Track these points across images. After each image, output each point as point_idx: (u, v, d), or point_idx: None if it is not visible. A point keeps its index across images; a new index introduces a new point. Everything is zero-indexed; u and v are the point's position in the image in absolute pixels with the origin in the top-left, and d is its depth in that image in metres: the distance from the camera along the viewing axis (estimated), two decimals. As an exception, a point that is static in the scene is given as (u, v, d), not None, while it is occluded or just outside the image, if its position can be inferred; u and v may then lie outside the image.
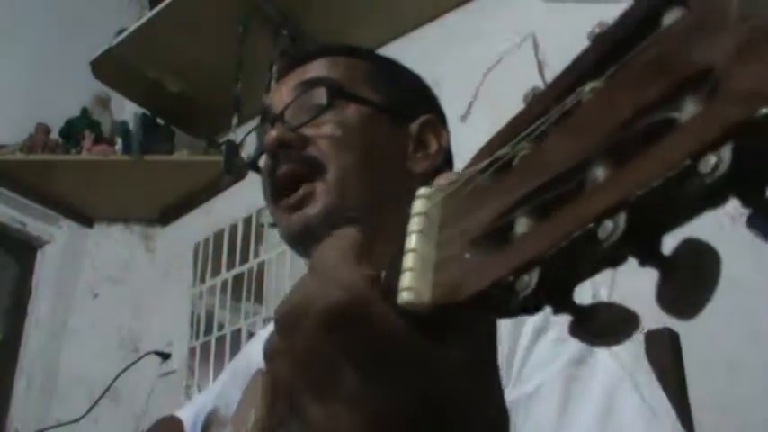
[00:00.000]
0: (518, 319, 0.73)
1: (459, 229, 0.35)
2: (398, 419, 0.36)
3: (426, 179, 0.88)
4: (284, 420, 0.40)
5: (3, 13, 2.55)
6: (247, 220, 2.36)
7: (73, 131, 2.50)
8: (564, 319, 0.74)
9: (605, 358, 0.69)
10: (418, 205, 0.39)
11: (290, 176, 0.85)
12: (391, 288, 0.37)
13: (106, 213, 2.64)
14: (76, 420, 2.31)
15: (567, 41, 0.34)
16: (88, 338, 2.50)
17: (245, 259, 2.33)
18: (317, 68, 0.91)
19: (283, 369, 0.39)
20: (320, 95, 0.87)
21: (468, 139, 0.38)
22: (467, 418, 0.38)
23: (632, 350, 0.71)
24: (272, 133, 0.85)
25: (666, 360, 1.11)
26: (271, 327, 1.18)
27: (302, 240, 0.85)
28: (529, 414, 0.68)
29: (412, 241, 0.37)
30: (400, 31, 2.17)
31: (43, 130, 2.47)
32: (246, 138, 1.02)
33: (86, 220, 2.64)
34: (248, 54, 2.19)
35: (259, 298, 2.24)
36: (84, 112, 2.57)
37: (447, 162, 0.94)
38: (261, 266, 2.27)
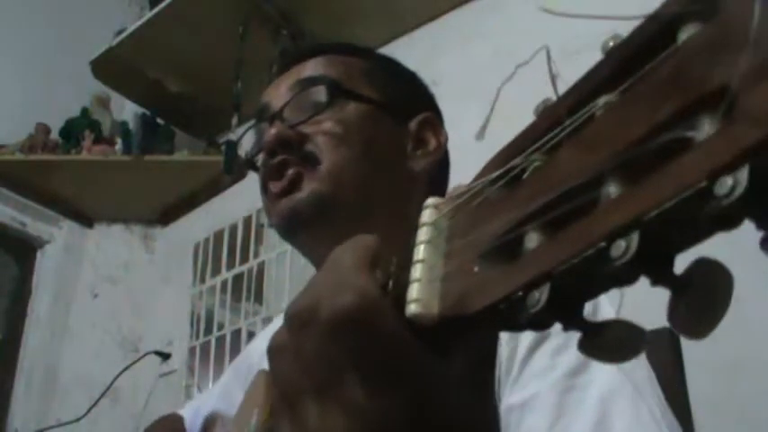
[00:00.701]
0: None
1: (467, 241, 0.35)
2: (394, 429, 0.36)
3: (424, 176, 0.89)
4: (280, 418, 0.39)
5: (3, 13, 2.55)
6: (247, 220, 2.36)
7: (73, 131, 2.50)
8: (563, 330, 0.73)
9: (605, 365, 0.69)
10: (426, 215, 0.38)
11: (280, 163, 0.85)
12: (399, 298, 0.36)
13: (106, 213, 2.64)
14: (76, 420, 2.31)
15: (580, 54, 0.33)
16: (88, 338, 2.50)
17: (245, 259, 2.33)
18: (315, 66, 0.90)
19: (286, 366, 0.39)
20: (319, 93, 0.87)
21: (484, 154, 0.37)
22: None
23: (626, 368, 0.70)
24: (272, 131, 0.85)
25: (666, 360, 1.11)
26: (271, 326, 1.18)
27: (291, 225, 0.85)
28: (521, 422, 0.68)
29: (420, 252, 0.37)
30: (400, 31, 2.17)
31: (43, 130, 2.47)
32: (244, 136, 1.01)
33: (86, 220, 2.64)
34: (248, 54, 2.19)
35: (259, 298, 2.24)
36: (84, 112, 2.57)
37: (444, 160, 0.94)
38: (261, 266, 2.27)
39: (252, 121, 2.35)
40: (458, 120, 1.90)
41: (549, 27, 1.80)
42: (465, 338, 0.37)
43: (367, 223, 0.81)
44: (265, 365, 0.72)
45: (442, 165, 0.93)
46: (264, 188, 0.87)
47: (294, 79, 0.89)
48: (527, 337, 0.72)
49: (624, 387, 0.69)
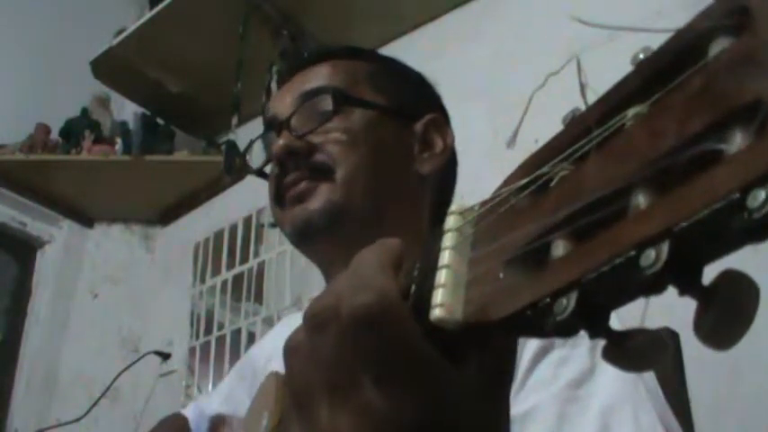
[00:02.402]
0: (523, 338, 0.73)
1: (493, 248, 0.35)
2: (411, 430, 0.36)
3: (432, 178, 0.89)
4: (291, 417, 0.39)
5: (3, 13, 2.55)
6: (247, 220, 2.36)
7: (73, 131, 2.50)
8: (569, 341, 0.73)
9: (608, 377, 0.69)
10: (451, 221, 0.38)
11: (296, 180, 0.86)
12: (420, 302, 0.36)
13: (106, 213, 2.64)
14: (76, 420, 2.31)
15: (610, 66, 0.34)
16: (88, 338, 2.50)
17: (245, 259, 2.34)
18: (320, 74, 0.91)
19: (301, 365, 0.39)
20: (325, 102, 0.87)
21: (514, 162, 0.37)
22: None
23: (630, 380, 0.70)
24: (281, 142, 0.86)
25: (666, 360, 1.11)
26: (273, 330, 1.18)
27: (303, 235, 0.85)
28: None
29: (446, 257, 0.36)
30: (400, 31, 2.17)
31: (43, 130, 2.47)
32: (251, 142, 1.02)
33: (86, 220, 2.64)
34: (248, 54, 2.19)
35: (259, 298, 2.24)
36: (84, 112, 2.58)
37: (452, 161, 0.94)
38: (261, 266, 2.27)
39: (252, 122, 2.35)
40: (458, 120, 1.90)
41: (550, 27, 1.80)
42: (486, 348, 0.37)
43: (378, 229, 0.82)
44: (271, 369, 0.72)
45: (449, 166, 0.93)
46: (276, 198, 0.88)
47: (299, 89, 0.90)
48: (531, 346, 0.72)
49: (626, 399, 0.69)
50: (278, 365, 0.74)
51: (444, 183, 0.92)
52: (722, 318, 0.26)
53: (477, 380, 0.37)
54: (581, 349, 0.71)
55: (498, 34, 1.94)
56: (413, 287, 0.38)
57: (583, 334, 0.74)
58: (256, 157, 0.96)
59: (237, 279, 2.34)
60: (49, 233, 2.57)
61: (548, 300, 0.29)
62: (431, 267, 0.37)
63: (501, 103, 1.78)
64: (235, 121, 2.22)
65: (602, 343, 0.75)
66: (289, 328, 1.16)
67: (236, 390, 0.99)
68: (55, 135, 2.50)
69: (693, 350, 1.16)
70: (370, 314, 0.35)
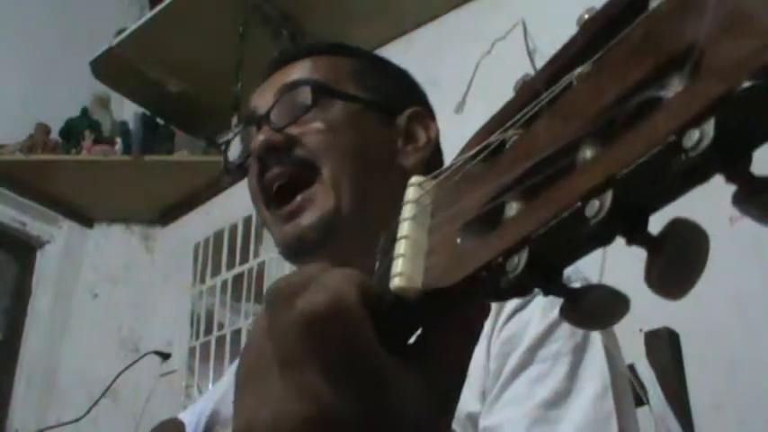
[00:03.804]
0: (510, 344, 0.73)
1: (450, 215, 0.35)
2: (347, 421, 0.36)
3: (417, 173, 0.88)
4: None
5: (3, 13, 2.55)
6: (247, 220, 2.36)
7: (73, 131, 2.50)
8: (550, 357, 0.73)
9: (581, 403, 0.69)
10: (410, 193, 0.39)
11: (285, 183, 0.85)
12: (383, 282, 0.37)
13: (106, 213, 2.64)
14: (76, 420, 2.31)
15: (557, 28, 0.34)
16: (88, 338, 2.50)
17: (245, 259, 2.34)
18: (300, 69, 0.90)
19: (260, 336, 0.40)
20: (305, 95, 0.86)
21: (464, 130, 0.38)
22: None
23: (604, 411, 0.70)
24: (260, 137, 0.84)
25: (666, 360, 1.11)
26: None
27: (296, 251, 0.85)
28: None
29: (404, 228, 0.37)
30: (400, 31, 2.17)
31: (43, 130, 2.47)
32: (231, 138, 1.01)
33: (86, 220, 2.64)
34: (248, 54, 2.19)
35: (259, 298, 2.24)
36: (84, 112, 2.58)
37: (437, 154, 0.93)
38: (261, 266, 2.27)
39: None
40: (458, 119, 1.90)
41: (549, 27, 1.80)
42: (437, 350, 0.37)
43: (366, 228, 0.81)
44: None
45: (433, 159, 0.92)
46: (260, 195, 0.87)
47: (279, 83, 0.89)
48: (515, 357, 0.72)
49: (598, 428, 0.68)
50: None
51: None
52: (672, 266, 0.26)
53: (426, 387, 0.37)
54: (560, 368, 0.71)
55: (498, 34, 1.94)
56: (377, 264, 0.39)
57: (566, 351, 0.74)
58: (242, 155, 0.95)
59: (237, 279, 2.34)
60: (48, 233, 2.57)
61: (500, 259, 0.30)
62: (391, 240, 0.37)
63: (500, 103, 1.78)
64: (235, 121, 2.22)
65: (585, 363, 0.75)
66: None
67: (231, 390, 0.98)
68: (55, 135, 2.50)
69: (693, 350, 1.16)
70: (321, 313, 0.36)
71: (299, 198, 0.83)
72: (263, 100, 0.89)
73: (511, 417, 0.69)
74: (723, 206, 0.25)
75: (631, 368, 1.00)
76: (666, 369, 1.11)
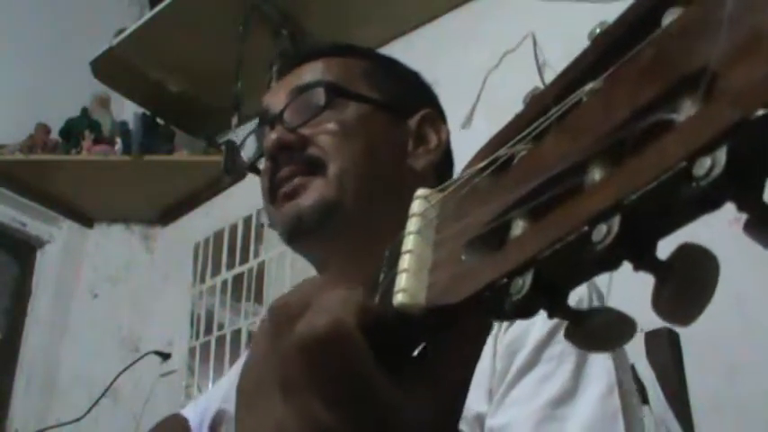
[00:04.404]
0: (516, 344, 0.73)
1: (455, 230, 0.35)
2: None
3: (426, 175, 0.89)
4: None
5: (3, 13, 2.55)
6: (247, 220, 2.36)
7: (73, 131, 2.50)
8: (556, 356, 0.73)
9: (588, 401, 0.69)
10: (416, 206, 0.38)
11: (289, 175, 0.85)
12: (386, 296, 0.36)
13: (106, 213, 2.64)
14: (76, 420, 2.31)
15: (567, 41, 0.34)
16: (88, 338, 2.50)
17: (245, 259, 2.34)
18: (312, 70, 0.90)
19: (263, 354, 0.40)
20: (318, 95, 0.87)
21: (470, 143, 0.38)
22: None
23: (611, 409, 0.70)
24: (272, 136, 0.85)
25: (666, 360, 1.11)
26: None
27: (295, 232, 0.84)
28: None
29: (409, 243, 0.37)
30: (400, 31, 2.17)
31: (43, 130, 2.47)
32: (246, 139, 1.02)
33: (86, 220, 2.64)
34: (248, 54, 2.19)
35: (259, 298, 2.24)
36: (84, 112, 2.57)
37: (447, 157, 0.94)
38: (261, 266, 2.27)
39: (251, 122, 2.35)
40: (457, 120, 1.91)
41: (548, 27, 1.80)
42: (455, 332, 0.37)
43: (370, 226, 0.82)
44: None
45: (444, 161, 0.92)
46: (269, 194, 0.87)
47: (293, 84, 0.89)
48: (520, 357, 0.72)
49: (603, 426, 0.69)
50: None
51: (439, 179, 0.92)
52: (680, 292, 0.26)
53: (426, 412, 0.37)
54: (566, 366, 0.71)
55: (498, 34, 1.94)
56: (381, 276, 0.38)
57: (571, 350, 0.74)
58: (252, 153, 0.96)
59: (237, 279, 2.34)
60: (48, 233, 2.57)
61: (505, 280, 0.29)
62: (396, 254, 0.37)
63: (500, 103, 1.78)
64: (235, 121, 2.22)
65: (590, 362, 0.75)
66: None
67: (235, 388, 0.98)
68: (55, 135, 2.50)
69: (693, 350, 1.16)
70: (321, 338, 0.36)
71: (296, 180, 0.84)
72: (276, 100, 0.90)
73: (518, 416, 0.69)
74: (723, 208, 0.25)
75: (631, 368, 1.01)
76: (666, 369, 1.11)
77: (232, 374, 1.04)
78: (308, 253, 0.90)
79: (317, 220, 0.83)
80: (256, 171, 0.92)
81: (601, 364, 0.72)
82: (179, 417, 1.00)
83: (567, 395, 0.70)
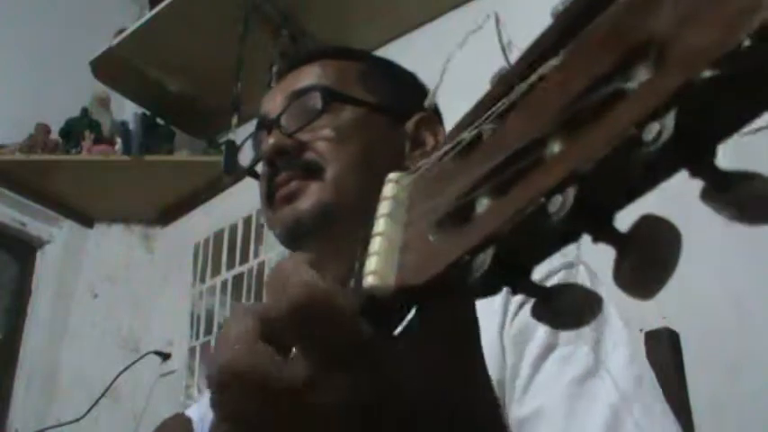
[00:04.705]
0: (525, 333, 0.73)
1: (424, 211, 0.35)
2: (356, 418, 0.35)
3: None
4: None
5: (3, 12, 2.55)
6: (247, 220, 2.36)
7: (73, 131, 2.50)
8: (573, 336, 0.74)
9: (611, 375, 0.70)
10: (388, 190, 0.38)
11: (287, 179, 0.86)
12: (357, 281, 0.36)
13: (106, 213, 2.64)
14: (76, 420, 2.31)
15: (531, 20, 0.34)
16: (88, 338, 2.50)
17: (245, 259, 2.33)
18: (309, 74, 0.91)
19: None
20: (314, 100, 0.87)
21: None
22: (445, 418, 0.37)
23: (634, 375, 0.71)
24: (270, 141, 0.86)
25: (666, 360, 1.11)
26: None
27: (293, 235, 0.85)
28: None
29: (379, 225, 0.37)
30: (400, 31, 2.17)
31: (43, 130, 2.47)
32: (243, 142, 1.02)
33: (86, 220, 2.64)
34: (248, 54, 2.19)
35: (259, 298, 2.24)
36: (84, 112, 2.58)
37: None
38: (261, 266, 2.27)
39: (252, 122, 2.35)
40: (457, 119, 1.90)
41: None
42: (427, 315, 0.37)
43: (362, 226, 0.81)
44: None
45: None
46: (266, 198, 0.88)
47: (290, 88, 0.90)
48: (534, 346, 0.72)
49: (632, 392, 0.69)
50: None
51: None
52: (642, 263, 0.25)
53: (430, 355, 0.37)
54: (583, 348, 0.72)
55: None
56: (356, 264, 0.38)
57: (586, 331, 0.74)
58: (249, 157, 0.96)
59: (237, 279, 2.34)
60: (48, 233, 2.57)
61: (467, 257, 0.29)
62: (367, 238, 0.37)
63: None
64: (235, 121, 2.22)
65: (607, 335, 0.75)
66: None
67: None
68: (55, 135, 2.50)
69: (693, 350, 1.16)
70: (304, 307, 0.35)
71: (293, 184, 0.84)
72: (273, 105, 0.90)
73: (547, 400, 0.69)
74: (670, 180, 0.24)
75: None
76: (666, 369, 1.11)
77: None
78: (303, 250, 0.90)
79: (315, 224, 0.83)
80: (255, 176, 0.93)
81: (618, 334, 0.73)
82: (183, 416, 1.00)
83: (590, 372, 0.70)
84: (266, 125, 0.89)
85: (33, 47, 2.58)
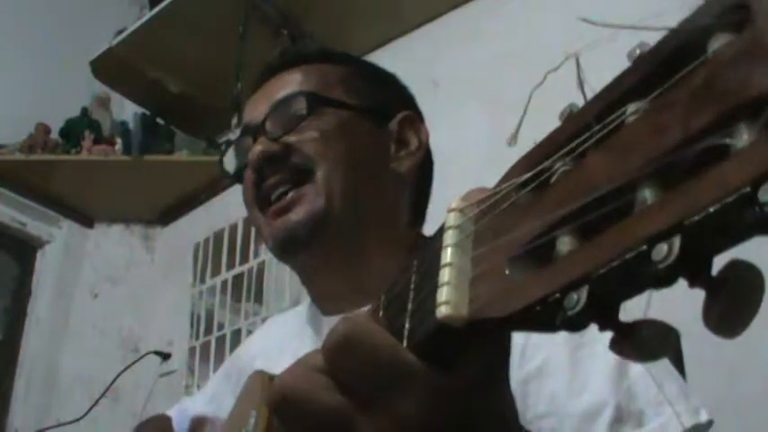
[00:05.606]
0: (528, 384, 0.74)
1: (497, 245, 0.35)
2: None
3: (412, 177, 0.90)
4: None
5: (3, 13, 2.55)
6: (247, 221, 2.35)
7: (73, 131, 2.50)
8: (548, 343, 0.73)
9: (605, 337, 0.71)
10: (451, 218, 0.38)
11: (277, 183, 0.86)
12: (420, 311, 0.37)
13: (106, 213, 2.64)
14: (76, 420, 2.31)
15: (608, 64, 0.34)
16: (88, 338, 2.50)
17: (245, 259, 2.33)
18: (292, 81, 0.91)
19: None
20: (299, 104, 0.88)
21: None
22: None
23: None
24: (257, 148, 0.86)
25: (674, 349, 1.11)
26: (259, 330, 1.19)
27: (286, 248, 0.86)
28: (541, 388, 0.70)
29: (448, 255, 0.37)
30: (400, 31, 2.17)
31: (43, 130, 2.47)
32: (226, 147, 1.02)
33: (86, 220, 2.64)
34: (248, 54, 2.19)
35: (259, 298, 2.24)
36: (84, 112, 2.57)
37: (428, 158, 0.95)
38: (261, 266, 2.27)
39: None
40: (458, 120, 1.90)
41: (549, 26, 1.79)
42: (472, 347, 0.38)
43: (358, 232, 0.85)
44: (256, 368, 0.73)
45: (425, 163, 0.94)
46: (257, 202, 0.88)
47: (273, 94, 0.90)
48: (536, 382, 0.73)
49: None
50: (263, 365, 0.74)
51: (422, 181, 0.94)
52: (730, 307, 0.26)
53: (472, 383, 0.38)
54: (565, 346, 0.73)
55: (498, 34, 1.94)
56: (411, 292, 0.39)
57: (562, 340, 0.74)
58: (231, 161, 0.97)
59: (237, 279, 2.34)
60: (48, 233, 2.57)
61: (557, 295, 0.30)
62: (432, 267, 0.37)
63: (500, 104, 1.78)
64: (235, 121, 2.22)
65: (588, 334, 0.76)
66: (275, 327, 1.15)
67: (221, 390, 0.99)
68: (55, 135, 2.50)
69: (693, 350, 1.16)
70: (344, 340, 0.38)
71: (289, 195, 0.85)
72: (256, 111, 0.90)
73: (549, 353, 0.71)
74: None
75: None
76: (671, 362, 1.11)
77: (218, 380, 1.04)
78: (296, 264, 0.91)
79: (307, 234, 0.84)
80: (240, 181, 0.93)
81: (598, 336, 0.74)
82: (164, 416, 1.00)
83: (580, 344, 0.71)
84: (251, 131, 0.90)
85: (33, 47, 2.58)
